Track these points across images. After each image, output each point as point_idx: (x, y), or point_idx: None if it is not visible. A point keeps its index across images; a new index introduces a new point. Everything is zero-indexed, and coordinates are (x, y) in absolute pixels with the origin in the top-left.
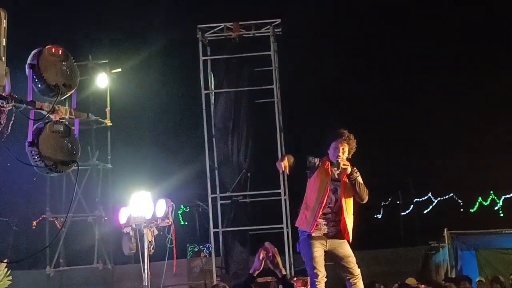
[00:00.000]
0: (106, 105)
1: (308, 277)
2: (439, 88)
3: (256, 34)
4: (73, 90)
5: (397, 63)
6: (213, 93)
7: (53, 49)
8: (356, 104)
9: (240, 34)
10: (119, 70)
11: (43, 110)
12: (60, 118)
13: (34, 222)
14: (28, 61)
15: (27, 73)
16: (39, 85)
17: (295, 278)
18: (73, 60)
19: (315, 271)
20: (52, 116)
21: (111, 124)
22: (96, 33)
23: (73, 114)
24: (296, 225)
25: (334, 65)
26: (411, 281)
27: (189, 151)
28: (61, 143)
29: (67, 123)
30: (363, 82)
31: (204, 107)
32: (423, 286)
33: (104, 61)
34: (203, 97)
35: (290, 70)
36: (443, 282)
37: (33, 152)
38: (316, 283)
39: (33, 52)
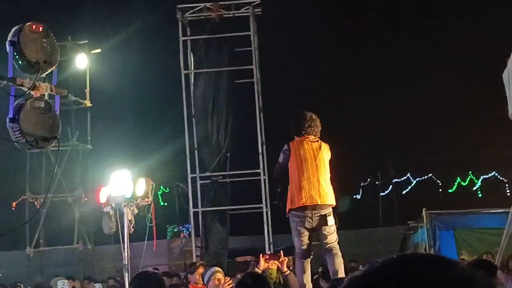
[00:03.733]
0: (85, 86)
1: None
2: (418, 69)
3: (236, 14)
4: (54, 67)
5: (377, 45)
6: (192, 73)
7: (34, 26)
8: (336, 85)
9: (220, 14)
10: (99, 50)
11: (24, 86)
12: (41, 95)
13: (14, 203)
14: (9, 38)
15: (7, 50)
16: (20, 62)
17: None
18: (54, 37)
19: None
20: (32, 93)
21: (91, 104)
22: (75, 14)
23: (54, 91)
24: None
25: (313, 45)
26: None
27: (169, 131)
28: (42, 119)
29: (48, 99)
30: (343, 64)
31: (183, 87)
32: None
33: (84, 42)
34: (182, 77)
35: (270, 51)
36: None
37: (14, 128)
38: None
39: (13, 29)
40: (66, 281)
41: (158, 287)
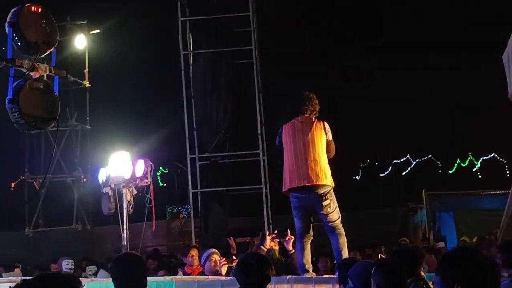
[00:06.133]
0: (84, 66)
1: (342, 230)
2: (418, 50)
3: None
4: (53, 48)
5: (377, 25)
6: (191, 54)
7: (33, 7)
8: (336, 65)
9: None
10: (98, 31)
11: (23, 67)
12: (40, 76)
13: (13, 184)
14: (8, 19)
15: (6, 31)
16: (19, 43)
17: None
18: (53, 18)
19: None
20: (32, 74)
21: (90, 85)
22: None
23: (53, 72)
24: (332, 186)
25: (313, 26)
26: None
27: (168, 112)
28: (41, 100)
29: (47, 80)
30: (342, 43)
31: (182, 68)
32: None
33: (83, 22)
34: (181, 58)
35: (269, 31)
36: None
37: (13, 109)
38: None
39: (12, 10)
40: (70, 260)
41: (139, 270)
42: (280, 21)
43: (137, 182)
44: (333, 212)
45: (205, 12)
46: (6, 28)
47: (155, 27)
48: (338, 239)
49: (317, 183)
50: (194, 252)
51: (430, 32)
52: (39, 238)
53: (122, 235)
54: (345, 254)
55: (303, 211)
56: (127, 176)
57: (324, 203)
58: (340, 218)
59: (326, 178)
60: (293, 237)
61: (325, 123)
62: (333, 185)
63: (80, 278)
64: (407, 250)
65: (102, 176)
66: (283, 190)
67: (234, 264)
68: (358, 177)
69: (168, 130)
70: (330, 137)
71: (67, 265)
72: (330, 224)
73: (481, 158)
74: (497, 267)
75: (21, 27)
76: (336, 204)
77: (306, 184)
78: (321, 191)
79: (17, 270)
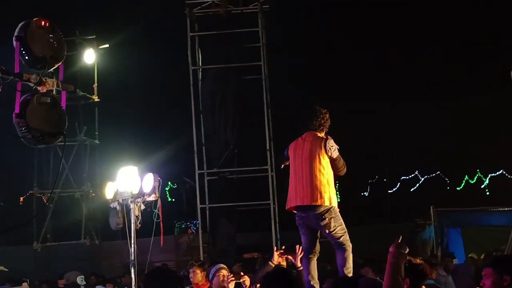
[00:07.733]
0: (93, 81)
1: (347, 246)
2: (427, 66)
3: (244, 10)
4: (60, 63)
5: (384, 38)
6: (200, 69)
7: (41, 22)
8: (343, 80)
9: (228, 10)
10: (107, 45)
11: (31, 82)
12: (47, 90)
13: (21, 198)
14: (15, 33)
15: (14, 45)
16: (26, 57)
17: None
18: (60, 33)
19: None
20: (39, 88)
21: (99, 100)
22: (83, 9)
23: (60, 86)
24: (332, 205)
25: (321, 40)
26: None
27: (176, 127)
28: (48, 114)
29: (54, 94)
30: (350, 57)
31: (191, 83)
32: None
33: (92, 37)
34: (190, 73)
35: (278, 46)
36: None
37: (20, 123)
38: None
39: (20, 24)
40: (83, 276)
41: (170, 282)
42: (290, 36)
43: (145, 197)
44: (335, 230)
45: (214, 28)
46: (14, 42)
47: (164, 42)
48: (341, 255)
49: (312, 204)
50: (194, 269)
51: (440, 48)
52: (47, 253)
53: (130, 250)
54: (348, 269)
55: (305, 228)
56: (135, 191)
57: (322, 223)
58: (345, 234)
59: (321, 198)
60: (302, 253)
61: (328, 140)
62: (333, 204)
63: None
64: (414, 266)
65: (110, 191)
66: (286, 208)
67: (241, 280)
68: (366, 193)
69: (177, 145)
70: (335, 155)
71: (81, 281)
72: (335, 241)
73: (489, 175)
74: None
75: (28, 41)
76: (340, 221)
77: (301, 204)
78: (317, 211)
79: (24, 285)
